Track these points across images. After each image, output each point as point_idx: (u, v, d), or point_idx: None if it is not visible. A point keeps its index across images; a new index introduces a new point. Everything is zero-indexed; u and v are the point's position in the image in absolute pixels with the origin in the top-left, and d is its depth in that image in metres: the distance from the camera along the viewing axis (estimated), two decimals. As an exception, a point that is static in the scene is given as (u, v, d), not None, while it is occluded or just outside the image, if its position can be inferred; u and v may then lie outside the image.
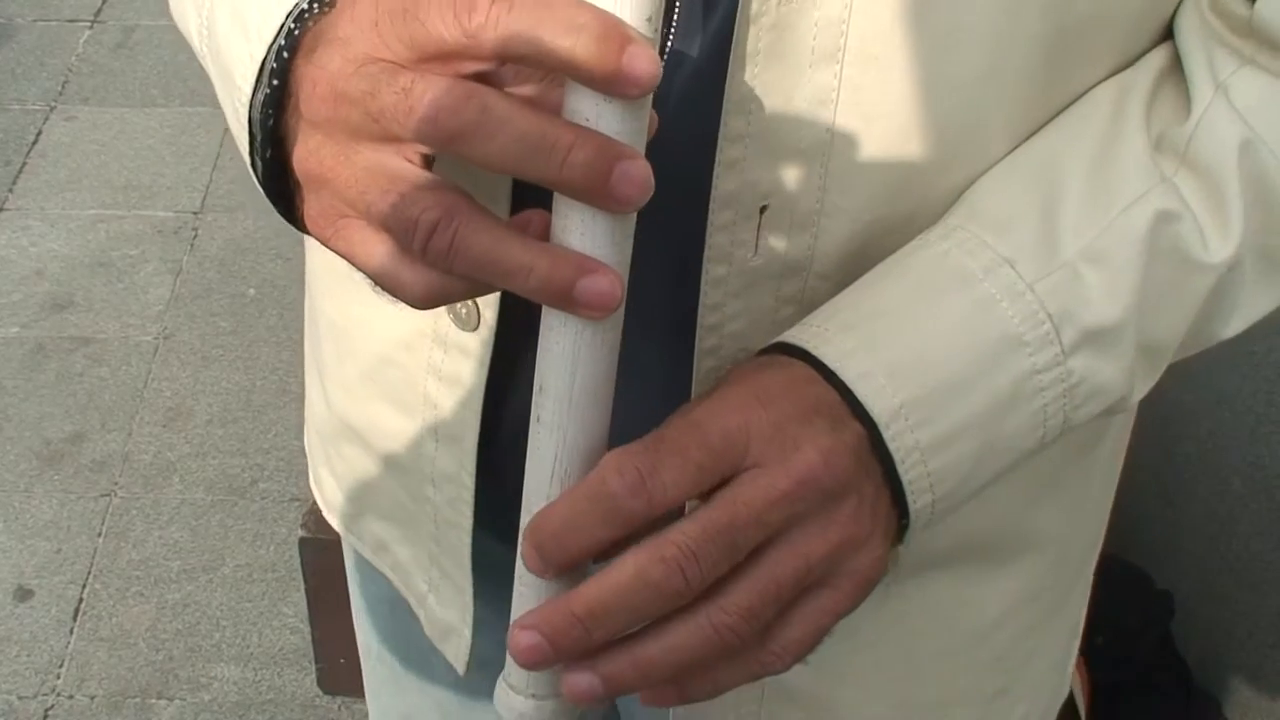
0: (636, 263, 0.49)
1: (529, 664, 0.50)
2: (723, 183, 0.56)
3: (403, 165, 0.47)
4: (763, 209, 0.57)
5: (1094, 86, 0.59)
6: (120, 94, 2.91)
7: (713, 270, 0.58)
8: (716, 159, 0.55)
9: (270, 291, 2.46)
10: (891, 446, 0.53)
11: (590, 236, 0.46)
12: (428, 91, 0.44)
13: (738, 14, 0.53)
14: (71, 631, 1.96)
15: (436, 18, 0.44)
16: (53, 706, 1.87)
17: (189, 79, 2.92)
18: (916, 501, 0.54)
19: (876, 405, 0.53)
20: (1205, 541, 1.64)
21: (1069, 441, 0.60)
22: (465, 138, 0.44)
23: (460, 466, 0.69)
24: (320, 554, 1.70)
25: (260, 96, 0.52)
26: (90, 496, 2.13)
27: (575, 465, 0.50)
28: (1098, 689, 1.59)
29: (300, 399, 0.86)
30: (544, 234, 0.48)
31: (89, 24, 3.11)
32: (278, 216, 0.54)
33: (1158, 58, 0.60)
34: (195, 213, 2.61)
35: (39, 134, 2.79)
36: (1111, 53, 0.59)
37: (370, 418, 0.73)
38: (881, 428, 0.52)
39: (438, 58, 0.45)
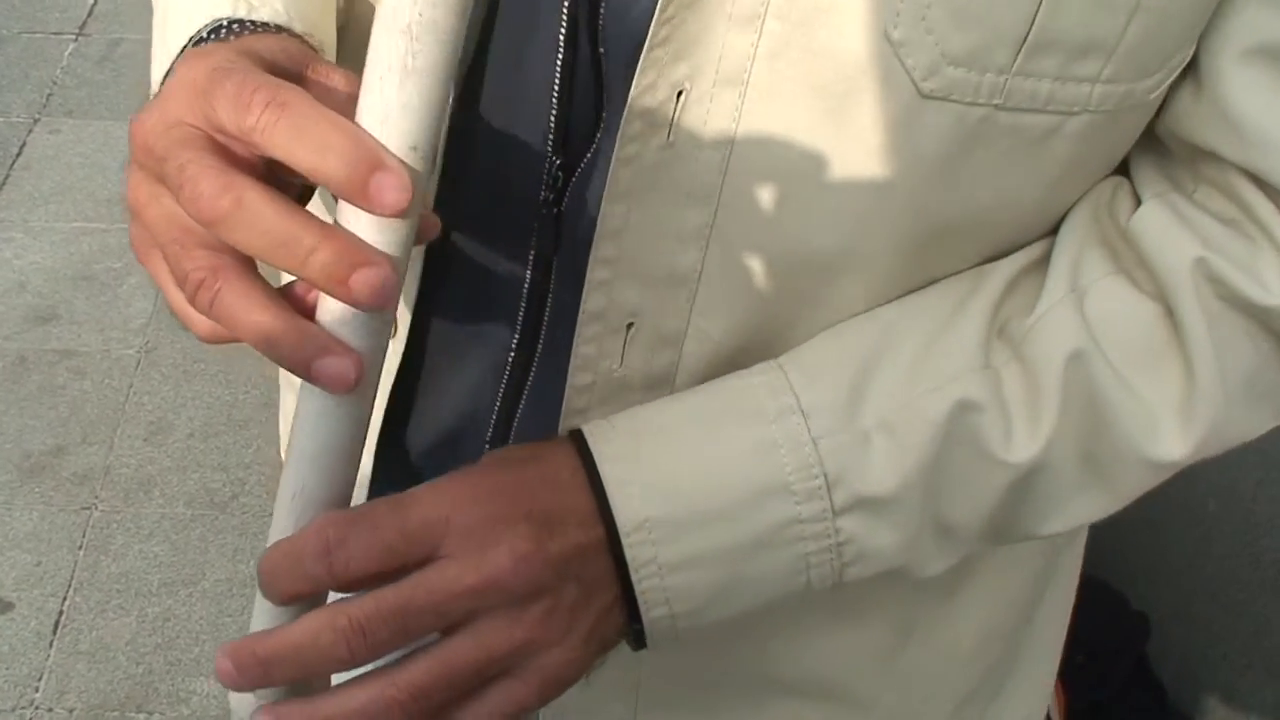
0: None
1: (225, 684, 0.53)
2: (590, 301, 0.58)
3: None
4: (629, 326, 0.59)
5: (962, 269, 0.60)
6: (104, 107, 2.91)
7: (577, 378, 0.60)
8: (587, 278, 0.58)
9: (253, 306, 2.46)
10: (628, 555, 0.55)
11: (339, 321, 0.50)
12: (194, 175, 0.48)
13: (615, 153, 0.55)
14: (51, 645, 1.96)
15: (222, 107, 0.48)
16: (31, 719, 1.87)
17: (174, 93, 2.93)
18: (651, 612, 0.56)
19: (622, 514, 0.55)
20: (1181, 562, 1.66)
21: (921, 588, 0.64)
22: (218, 224, 0.47)
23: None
24: (301, 569, 1.70)
25: None
26: (71, 509, 2.13)
27: (309, 515, 0.53)
28: (1074, 709, 1.60)
29: (285, 416, 0.87)
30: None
31: (74, 36, 3.11)
32: None
33: (1037, 246, 0.61)
34: (179, 226, 2.61)
35: (23, 146, 2.79)
36: (987, 248, 0.60)
37: (286, 407, 0.79)
38: (622, 535, 0.55)
39: (229, 136, 0.49)
